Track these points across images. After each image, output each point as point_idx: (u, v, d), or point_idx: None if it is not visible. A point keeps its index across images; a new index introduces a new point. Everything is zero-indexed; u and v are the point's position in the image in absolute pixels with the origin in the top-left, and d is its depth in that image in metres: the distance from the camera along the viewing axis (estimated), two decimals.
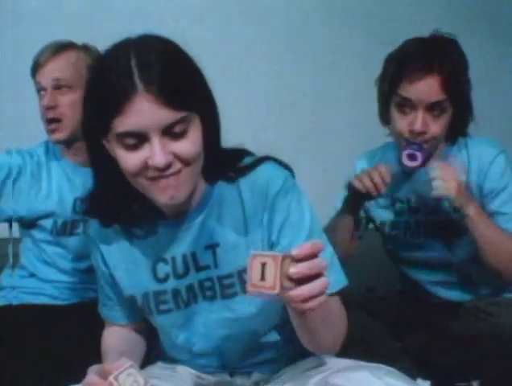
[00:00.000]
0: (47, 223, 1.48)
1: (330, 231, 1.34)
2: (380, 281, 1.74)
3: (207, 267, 1.01)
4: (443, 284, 1.48)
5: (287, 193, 0.99)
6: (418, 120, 1.31)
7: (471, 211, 1.29)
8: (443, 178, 1.28)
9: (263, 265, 0.72)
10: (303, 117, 3.05)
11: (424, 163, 1.36)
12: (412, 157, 1.35)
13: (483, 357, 1.28)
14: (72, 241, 1.49)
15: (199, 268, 1.02)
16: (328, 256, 0.96)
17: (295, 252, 0.73)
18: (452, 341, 1.37)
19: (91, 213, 1.05)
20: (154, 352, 1.17)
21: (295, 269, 0.73)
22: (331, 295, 0.93)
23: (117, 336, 1.13)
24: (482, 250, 1.32)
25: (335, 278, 0.97)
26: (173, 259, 1.02)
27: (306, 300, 0.74)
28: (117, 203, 1.00)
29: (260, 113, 2.99)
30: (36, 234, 1.50)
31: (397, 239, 1.51)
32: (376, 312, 1.44)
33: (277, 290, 0.72)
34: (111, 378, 0.91)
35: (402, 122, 1.34)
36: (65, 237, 1.49)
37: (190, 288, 1.02)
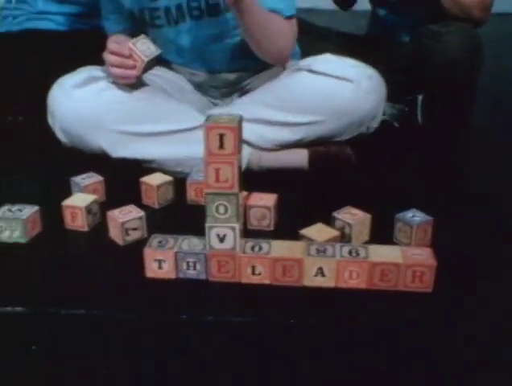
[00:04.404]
0: None
1: None
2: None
3: None
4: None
5: None
6: None
7: None
8: None
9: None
10: None
11: None
12: None
13: (430, 73, 1.44)
14: None
15: None
16: None
17: None
18: (405, 60, 1.52)
19: None
20: None
21: None
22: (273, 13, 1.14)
23: None
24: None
25: (284, 6, 1.17)
26: None
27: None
28: None
29: None
30: None
31: None
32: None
33: None
34: (130, 44, 1.13)
35: None
36: None
37: (179, 7, 1.20)
